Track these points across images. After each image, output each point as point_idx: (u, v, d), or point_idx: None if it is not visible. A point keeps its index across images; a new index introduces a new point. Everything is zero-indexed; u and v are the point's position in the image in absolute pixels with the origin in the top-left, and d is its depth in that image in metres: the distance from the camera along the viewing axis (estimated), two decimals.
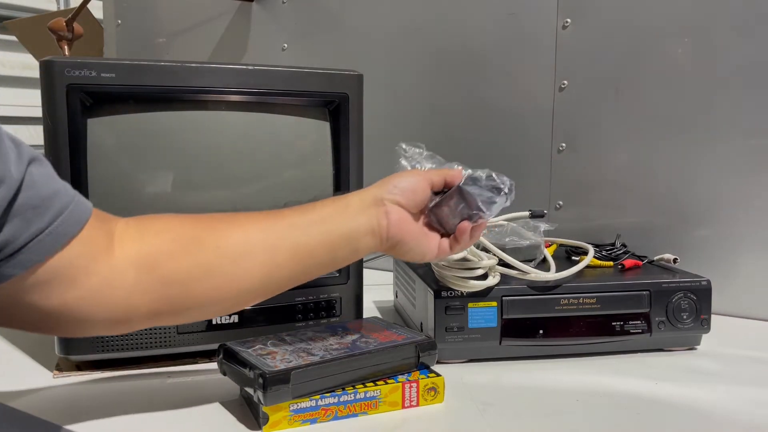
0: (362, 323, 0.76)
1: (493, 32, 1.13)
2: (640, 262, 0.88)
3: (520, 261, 0.78)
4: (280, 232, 0.59)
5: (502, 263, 0.79)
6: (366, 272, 0.84)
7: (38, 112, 0.69)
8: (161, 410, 0.64)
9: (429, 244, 0.64)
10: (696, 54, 0.96)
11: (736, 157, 0.95)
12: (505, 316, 0.76)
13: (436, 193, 0.65)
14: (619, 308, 0.78)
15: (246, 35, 1.43)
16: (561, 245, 0.97)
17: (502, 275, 0.78)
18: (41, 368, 0.74)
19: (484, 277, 0.77)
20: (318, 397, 0.60)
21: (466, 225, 0.63)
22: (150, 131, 0.73)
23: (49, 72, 0.67)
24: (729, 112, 0.95)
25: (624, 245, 0.97)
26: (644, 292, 0.78)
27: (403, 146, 0.72)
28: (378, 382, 0.64)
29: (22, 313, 0.49)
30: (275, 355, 0.63)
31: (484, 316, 0.75)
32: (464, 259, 0.78)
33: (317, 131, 0.80)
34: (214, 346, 0.67)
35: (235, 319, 0.76)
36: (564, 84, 1.07)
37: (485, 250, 0.80)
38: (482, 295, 0.75)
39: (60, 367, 0.74)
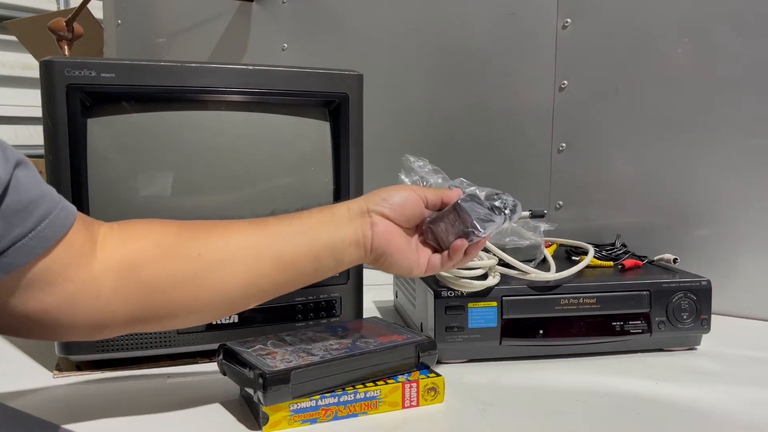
0: (362, 323, 0.76)
1: (493, 32, 1.13)
2: (640, 262, 0.88)
3: (520, 261, 0.78)
4: (264, 240, 0.58)
5: (502, 263, 0.79)
6: (366, 272, 0.84)
7: (38, 112, 0.69)
8: (161, 410, 0.64)
9: (417, 259, 0.63)
10: (696, 54, 0.96)
11: (736, 157, 0.95)
12: (505, 316, 0.76)
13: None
14: (619, 308, 0.78)
15: (246, 35, 1.43)
16: (561, 245, 0.97)
17: (502, 275, 0.78)
18: (41, 368, 0.74)
19: (484, 277, 0.77)
20: (318, 397, 0.60)
21: (461, 243, 0.62)
22: (150, 131, 0.73)
23: (49, 72, 0.67)
24: (729, 112, 0.95)
25: (624, 245, 0.97)
26: (644, 292, 0.78)
27: (410, 158, 0.72)
28: (378, 382, 0.64)
29: (1, 317, 0.49)
30: (275, 355, 0.63)
31: (484, 316, 0.75)
32: None
33: (317, 131, 0.80)
34: (214, 346, 0.67)
35: (235, 319, 0.76)
36: (564, 84, 1.07)
37: (485, 250, 0.80)
38: (482, 295, 0.75)
39: (60, 367, 0.74)
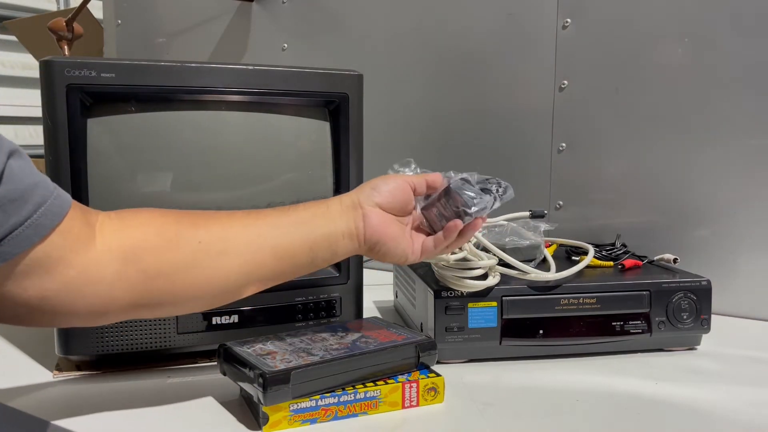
0: (362, 323, 0.76)
1: (493, 32, 1.13)
2: (640, 262, 0.88)
3: (520, 261, 0.78)
4: (262, 230, 0.60)
5: (502, 263, 0.79)
6: (366, 272, 0.84)
7: (38, 112, 0.69)
8: (161, 410, 0.64)
9: (411, 245, 0.65)
10: (696, 54, 0.96)
11: (736, 157, 0.95)
12: (505, 316, 0.76)
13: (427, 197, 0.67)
14: (619, 308, 0.78)
15: (246, 35, 1.43)
16: (561, 245, 0.97)
17: (502, 275, 0.78)
18: (41, 368, 0.74)
19: (484, 277, 0.77)
20: (318, 397, 0.60)
21: (455, 224, 0.63)
22: (150, 131, 0.73)
23: (49, 72, 0.67)
24: (729, 112, 0.95)
25: (624, 245, 0.97)
26: (644, 292, 0.78)
27: (396, 167, 0.73)
28: (378, 382, 0.64)
29: (1, 304, 0.50)
30: (275, 355, 0.63)
31: (484, 316, 0.75)
32: (464, 259, 0.78)
33: (317, 131, 0.80)
34: (214, 346, 0.67)
35: (235, 319, 0.76)
36: (564, 84, 1.07)
37: (485, 250, 0.80)
38: (482, 295, 0.75)
39: (60, 367, 0.74)
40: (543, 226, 0.87)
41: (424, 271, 0.83)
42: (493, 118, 1.14)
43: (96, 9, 1.66)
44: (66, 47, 1.43)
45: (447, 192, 0.64)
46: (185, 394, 0.67)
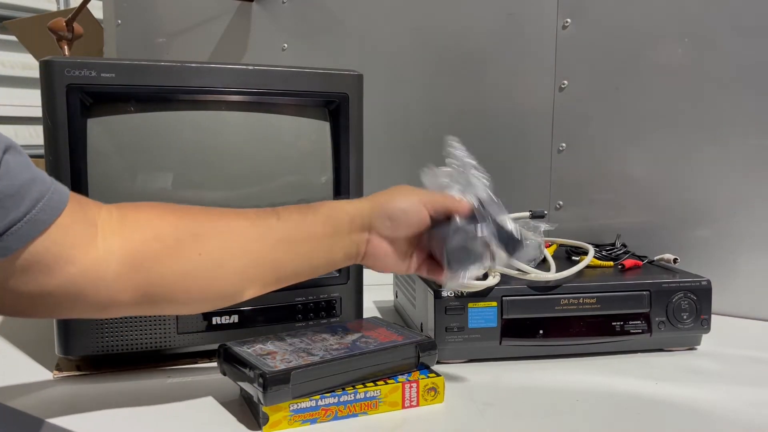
0: (362, 323, 0.76)
1: (493, 32, 1.13)
2: (640, 262, 0.88)
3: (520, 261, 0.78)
4: (265, 246, 0.60)
5: None
6: (366, 272, 0.84)
7: (38, 112, 0.69)
8: (161, 410, 0.64)
9: (406, 267, 0.66)
10: (696, 54, 0.96)
11: (736, 157, 0.95)
12: (505, 316, 0.76)
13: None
14: (619, 308, 0.78)
15: (246, 35, 1.43)
16: (561, 245, 0.97)
17: (502, 275, 0.78)
18: (41, 368, 0.74)
19: (484, 277, 0.76)
20: (318, 397, 0.60)
21: (443, 275, 0.63)
22: (150, 131, 0.73)
23: (49, 72, 0.67)
24: (729, 112, 0.95)
25: (624, 245, 0.97)
26: (644, 292, 0.78)
27: (455, 144, 0.68)
28: (378, 382, 0.64)
29: (3, 297, 0.50)
30: (275, 355, 0.63)
31: (484, 316, 0.75)
32: None
33: (317, 131, 0.80)
34: (214, 346, 0.67)
35: (235, 319, 0.76)
36: (564, 84, 1.07)
37: None
38: (482, 295, 0.75)
39: (60, 367, 0.74)
40: (543, 226, 0.87)
41: None
42: (493, 118, 1.14)
43: (96, 9, 1.66)
44: (66, 47, 1.43)
45: (455, 230, 0.60)
46: (185, 394, 0.67)
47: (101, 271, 0.53)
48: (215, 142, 0.76)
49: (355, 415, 0.62)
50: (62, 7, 3.27)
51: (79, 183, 0.69)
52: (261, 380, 0.57)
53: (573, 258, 0.90)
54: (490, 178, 0.67)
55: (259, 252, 0.59)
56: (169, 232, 0.57)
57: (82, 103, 0.68)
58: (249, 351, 0.64)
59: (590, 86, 1.05)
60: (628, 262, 0.87)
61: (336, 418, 0.61)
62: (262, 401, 0.58)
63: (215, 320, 0.75)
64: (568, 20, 1.05)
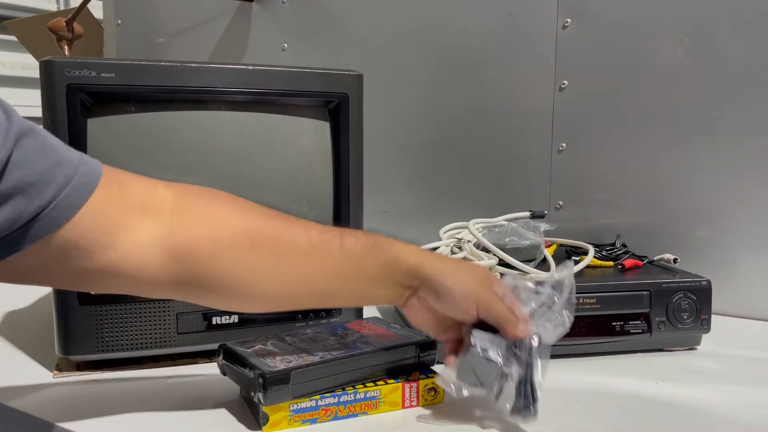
0: (362, 323, 0.76)
1: (493, 33, 1.13)
2: (640, 262, 0.88)
3: (520, 261, 0.78)
4: (319, 273, 0.58)
5: (502, 263, 0.79)
6: None
7: (38, 112, 0.69)
8: (161, 410, 0.64)
9: (435, 331, 0.63)
10: (696, 54, 0.96)
11: (736, 157, 0.95)
12: None
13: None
14: (619, 308, 0.78)
15: (246, 35, 1.43)
16: (561, 245, 0.97)
17: (502, 275, 0.78)
18: (41, 368, 0.74)
19: None
20: (318, 397, 0.60)
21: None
22: (150, 131, 0.73)
23: (49, 72, 0.67)
24: (729, 112, 0.95)
25: (624, 245, 0.97)
26: (644, 292, 0.78)
27: (569, 274, 0.61)
28: (378, 382, 0.64)
29: (52, 275, 0.51)
30: (275, 355, 0.63)
31: None
32: (464, 259, 0.78)
33: (317, 131, 0.80)
34: (214, 346, 0.67)
35: (235, 319, 0.76)
36: (564, 84, 1.07)
37: (485, 250, 0.80)
38: None
39: (60, 367, 0.74)
40: (543, 226, 0.87)
41: None
42: (493, 118, 1.14)
43: (96, 9, 1.66)
44: (66, 47, 1.43)
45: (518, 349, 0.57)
46: (185, 394, 0.67)
47: (144, 259, 0.52)
48: (215, 142, 0.76)
49: (355, 415, 0.62)
50: (62, 7, 3.27)
51: None
52: (261, 380, 0.57)
53: (573, 258, 0.90)
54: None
55: (312, 278, 0.58)
56: (226, 236, 0.54)
57: (82, 103, 0.68)
58: (249, 351, 0.64)
59: (590, 86, 1.05)
60: (628, 262, 0.87)
61: (336, 418, 0.61)
62: (262, 401, 0.58)
63: (215, 320, 0.75)
64: (568, 20, 1.05)
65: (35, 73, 0.73)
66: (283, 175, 0.79)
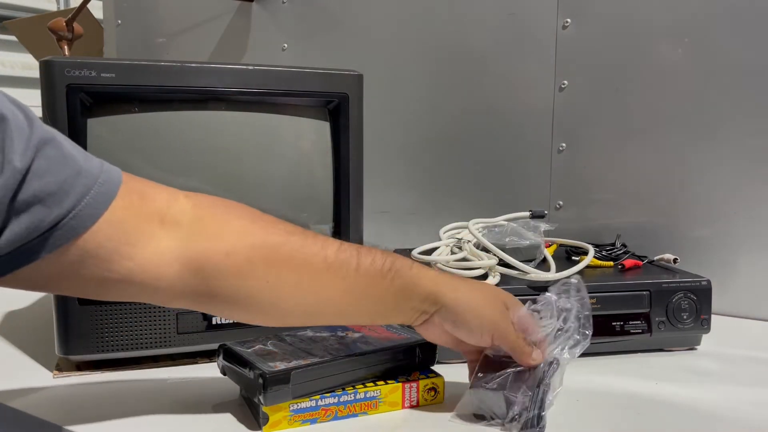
0: None
1: (493, 32, 1.13)
2: (640, 262, 0.88)
3: (520, 261, 0.78)
4: (335, 293, 0.57)
5: (502, 263, 0.79)
6: None
7: (38, 112, 0.69)
8: (161, 410, 0.64)
9: (453, 347, 0.63)
10: (696, 54, 0.96)
11: (736, 157, 0.95)
12: None
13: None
14: (619, 308, 0.78)
15: (246, 35, 1.43)
16: (561, 245, 0.97)
17: (502, 275, 0.78)
18: (41, 368, 0.74)
19: (484, 277, 0.77)
20: (318, 397, 0.60)
21: None
22: (150, 131, 0.73)
23: (49, 72, 0.67)
24: (729, 112, 0.95)
25: (624, 245, 0.97)
26: (644, 292, 0.78)
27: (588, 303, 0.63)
28: (378, 382, 0.64)
29: (70, 283, 0.51)
30: (275, 355, 0.63)
31: None
32: (464, 259, 0.78)
33: (317, 131, 0.80)
34: (214, 346, 0.67)
35: None
36: (564, 84, 1.07)
37: (485, 250, 0.80)
38: None
39: (60, 367, 0.74)
40: (543, 226, 0.87)
41: None
42: (493, 118, 1.14)
43: (96, 9, 1.66)
44: (66, 47, 1.43)
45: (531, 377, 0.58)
46: (185, 394, 0.67)
47: (161, 270, 0.52)
48: (215, 142, 0.76)
49: (355, 415, 0.62)
50: (62, 7, 3.27)
51: None
52: (261, 380, 0.57)
53: (573, 258, 0.90)
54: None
55: (327, 297, 0.58)
56: (243, 252, 0.54)
57: (82, 103, 0.68)
58: (249, 351, 0.64)
59: (590, 86, 1.05)
60: (628, 262, 0.87)
61: (336, 418, 0.61)
62: (262, 401, 0.58)
63: (215, 320, 0.75)
64: (568, 20, 1.05)
65: (35, 73, 0.73)
66: (283, 175, 0.79)
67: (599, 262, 0.88)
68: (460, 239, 0.87)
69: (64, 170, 0.47)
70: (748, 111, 0.94)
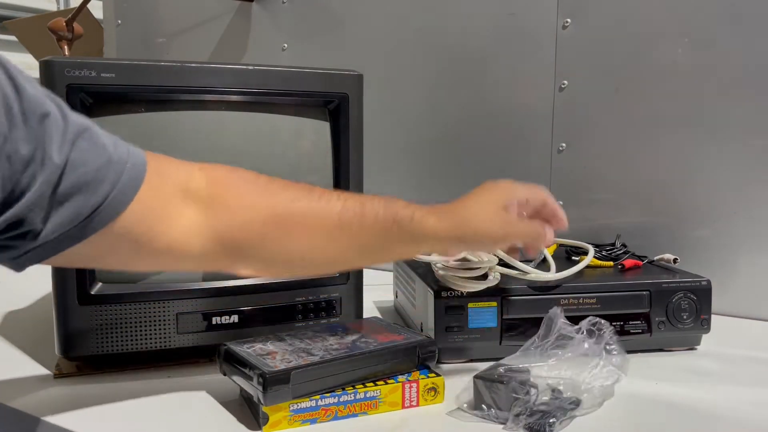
0: (362, 323, 0.76)
1: (493, 32, 1.13)
2: (640, 262, 0.88)
3: (520, 261, 0.78)
4: (346, 253, 0.63)
5: (502, 263, 0.79)
6: (366, 272, 0.84)
7: None
8: (161, 410, 0.64)
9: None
10: (696, 54, 0.96)
11: (736, 157, 0.95)
12: (505, 316, 0.75)
13: None
14: (619, 308, 0.78)
15: (246, 35, 1.43)
16: (561, 245, 0.97)
17: (502, 275, 0.78)
18: (41, 368, 0.74)
19: (484, 277, 0.77)
20: (318, 397, 0.60)
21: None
22: (150, 131, 0.73)
23: (49, 72, 0.67)
24: (729, 112, 0.95)
25: (624, 245, 0.97)
26: (644, 292, 0.78)
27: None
28: (378, 382, 0.64)
29: (100, 261, 0.58)
30: (275, 355, 0.63)
31: (484, 316, 0.75)
32: (464, 259, 0.78)
33: (317, 131, 0.80)
34: (215, 346, 0.67)
35: (235, 319, 0.76)
36: (564, 84, 1.07)
37: None
38: (482, 295, 0.75)
39: (60, 367, 0.74)
40: None
41: (424, 271, 0.83)
42: (493, 118, 1.14)
43: (96, 9, 1.66)
44: (66, 47, 1.43)
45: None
46: (185, 394, 0.67)
47: (191, 242, 0.57)
48: (215, 142, 0.76)
49: (355, 415, 0.62)
50: (62, 7, 3.27)
51: None
52: (261, 380, 0.57)
53: (573, 258, 0.90)
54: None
55: (340, 253, 0.63)
56: (257, 221, 0.59)
57: (82, 103, 0.68)
58: (249, 351, 0.64)
59: (590, 86, 1.05)
60: (628, 262, 0.87)
61: (336, 418, 0.61)
62: (262, 401, 0.58)
63: (215, 320, 0.75)
64: (568, 20, 1.05)
65: (35, 73, 0.73)
66: (283, 175, 0.79)
67: (599, 262, 0.88)
68: None
69: (97, 159, 0.50)
70: (748, 111, 0.94)
